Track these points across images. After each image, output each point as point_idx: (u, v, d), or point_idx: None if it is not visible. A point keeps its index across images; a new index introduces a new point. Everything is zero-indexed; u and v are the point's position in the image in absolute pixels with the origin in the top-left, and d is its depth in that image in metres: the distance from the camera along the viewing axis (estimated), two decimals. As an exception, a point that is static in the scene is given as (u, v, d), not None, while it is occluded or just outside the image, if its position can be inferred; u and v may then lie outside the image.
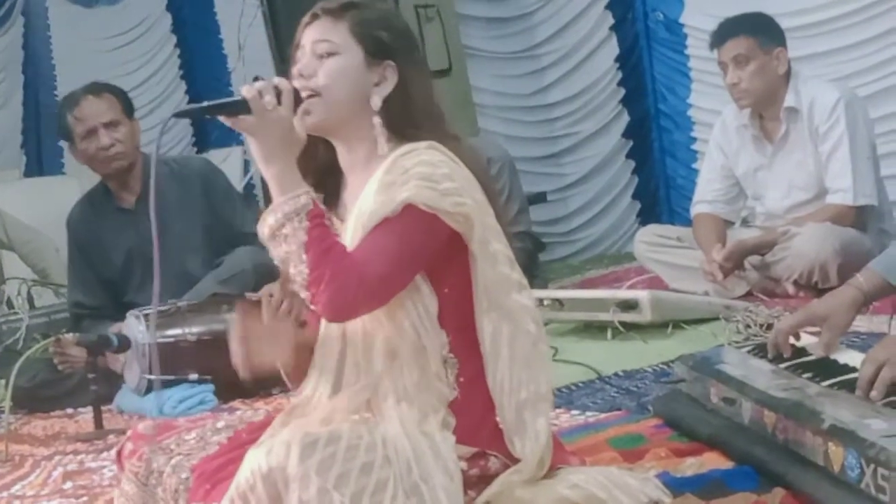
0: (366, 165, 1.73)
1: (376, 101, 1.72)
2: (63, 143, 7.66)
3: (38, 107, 7.77)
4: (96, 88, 3.56)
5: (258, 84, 1.66)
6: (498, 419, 1.69)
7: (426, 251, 1.66)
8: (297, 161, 1.70)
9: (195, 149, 7.08)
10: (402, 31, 1.80)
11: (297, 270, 1.61)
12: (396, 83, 1.73)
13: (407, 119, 1.73)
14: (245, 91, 1.66)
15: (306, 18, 1.76)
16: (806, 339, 2.18)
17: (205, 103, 1.71)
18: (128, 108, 3.53)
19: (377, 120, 1.71)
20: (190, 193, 3.50)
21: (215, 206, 3.52)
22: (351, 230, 1.69)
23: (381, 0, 1.84)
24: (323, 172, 1.79)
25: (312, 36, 1.74)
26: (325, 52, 1.72)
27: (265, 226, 1.63)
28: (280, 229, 1.62)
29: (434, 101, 1.78)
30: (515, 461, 1.68)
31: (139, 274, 3.47)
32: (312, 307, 1.63)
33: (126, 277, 3.50)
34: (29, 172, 7.60)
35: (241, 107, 1.66)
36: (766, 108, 3.80)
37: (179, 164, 3.62)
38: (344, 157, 1.77)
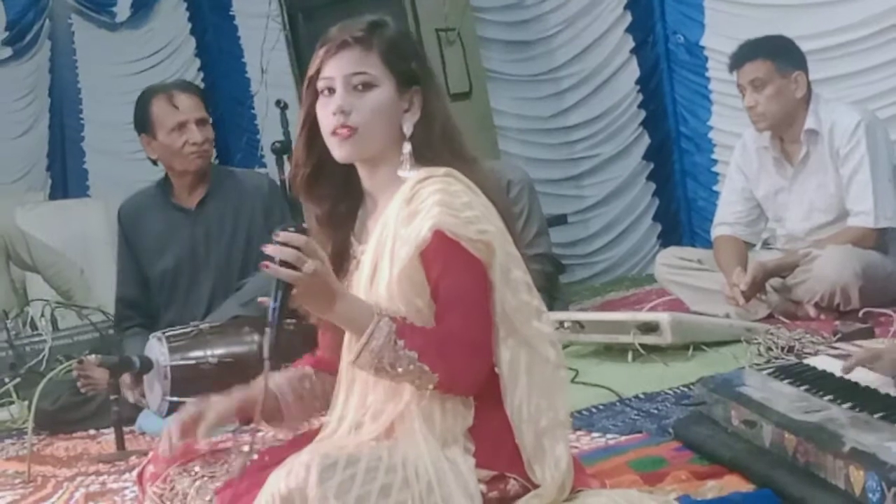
0: (388, 187, 1.74)
1: (409, 128, 1.74)
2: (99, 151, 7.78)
3: (64, 130, 7.84)
4: (186, 86, 3.62)
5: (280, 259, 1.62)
6: (517, 442, 1.69)
7: (482, 289, 1.66)
8: (316, 183, 1.76)
9: (217, 162, 7.11)
10: (424, 55, 1.81)
11: (421, 381, 1.63)
12: (421, 109, 1.75)
13: (428, 143, 1.74)
14: (284, 276, 1.62)
15: (332, 47, 1.74)
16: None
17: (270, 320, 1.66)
18: (208, 110, 3.56)
19: (407, 146, 1.73)
20: (247, 207, 3.48)
21: (271, 226, 3.48)
22: (372, 256, 1.70)
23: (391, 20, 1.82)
24: (341, 193, 1.81)
25: (345, 68, 1.73)
26: (361, 83, 1.72)
27: (362, 366, 1.65)
28: (381, 362, 1.62)
29: (453, 123, 1.79)
30: (535, 483, 1.68)
31: (186, 276, 3.46)
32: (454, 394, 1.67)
33: (173, 281, 3.48)
34: (54, 195, 7.65)
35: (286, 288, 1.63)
36: (786, 131, 3.79)
37: (244, 176, 3.63)
38: (367, 181, 1.78)
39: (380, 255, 1.69)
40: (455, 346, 1.63)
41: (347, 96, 1.72)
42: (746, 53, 3.77)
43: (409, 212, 1.66)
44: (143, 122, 3.50)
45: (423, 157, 1.74)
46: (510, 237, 1.71)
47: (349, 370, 1.74)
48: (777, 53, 3.74)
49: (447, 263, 1.64)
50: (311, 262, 1.60)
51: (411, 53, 1.77)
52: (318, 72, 1.75)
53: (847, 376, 2.09)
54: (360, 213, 1.81)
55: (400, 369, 1.63)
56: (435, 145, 1.74)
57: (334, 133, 1.72)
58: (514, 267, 1.69)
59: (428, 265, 1.65)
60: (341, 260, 1.79)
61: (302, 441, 1.76)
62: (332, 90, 1.73)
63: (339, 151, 1.73)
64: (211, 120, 3.57)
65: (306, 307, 1.67)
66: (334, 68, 1.73)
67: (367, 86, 1.72)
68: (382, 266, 1.68)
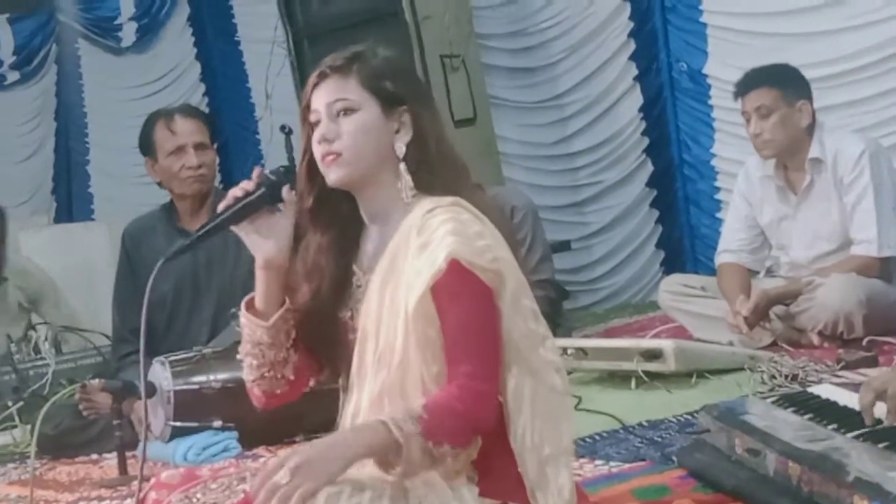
0: (387, 214, 1.75)
1: (401, 148, 1.73)
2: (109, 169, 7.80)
3: (70, 153, 7.87)
4: (189, 110, 3.68)
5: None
6: (520, 470, 1.68)
7: (494, 319, 1.65)
8: (320, 212, 1.76)
9: (221, 187, 7.12)
10: (410, 74, 1.81)
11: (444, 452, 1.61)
12: (413, 128, 1.74)
13: (425, 163, 1.73)
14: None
15: (314, 79, 1.77)
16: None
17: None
18: (213, 135, 3.59)
19: (403, 166, 1.73)
20: None
21: None
22: (379, 287, 1.70)
23: (383, 47, 1.82)
24: (345, 221, 1.80)
25: (326, 97, 1.75)
26: (342, 109, 1.73)
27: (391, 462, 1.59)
28: (398, 453, 1.57)
29: (448, 145, 1.78)
30: (538, 511, 1.67)
31: (187, 300, 3.47)
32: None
33: (173, 304, 3.48)
34: (59, 218, 7.67)
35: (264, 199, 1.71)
36: (790, 159, 3.80)
37: None
38: (365, 208, 1.78)
39: (393, 287, 1.68)
40: (474, 400, 1.61)
41: (330, 124, 1.73)
42: (753, 81, 3.78)
43: (421, 243, 1.66)
44: (146, 145, 3.56)
45: (421, 179, 1.73)
46: (518, 265, 1.71)
47: (352, 405, 1.73)
48: (783, 82, 3.76)
49: (458, 292, 1.63)
50: (282, 472, 1.51)
51: (395, 74, 1.76)
52: (308, 104, 1.78)
53: (850, 405, 2.08)
54: (362, 240, 1.81)
55: (440, 458, 1.60)
56: (432, 166, 1.73)
57: (323, 160, 1.74)
58: (524, 295, 1.69)
59: (438, 294, 1.64)
60: (342, 288, 1.79)
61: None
62: (319, 121, 1.75)
63: (329, 177, 1.74)
64: (214, 144, 3.59)
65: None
66: (317, 99, 1.76)
67: (348, 111, 1.73)
68: (397, 297, 1.67)
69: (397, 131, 1.74)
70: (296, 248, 1.80)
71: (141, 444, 1.92)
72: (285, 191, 1.76)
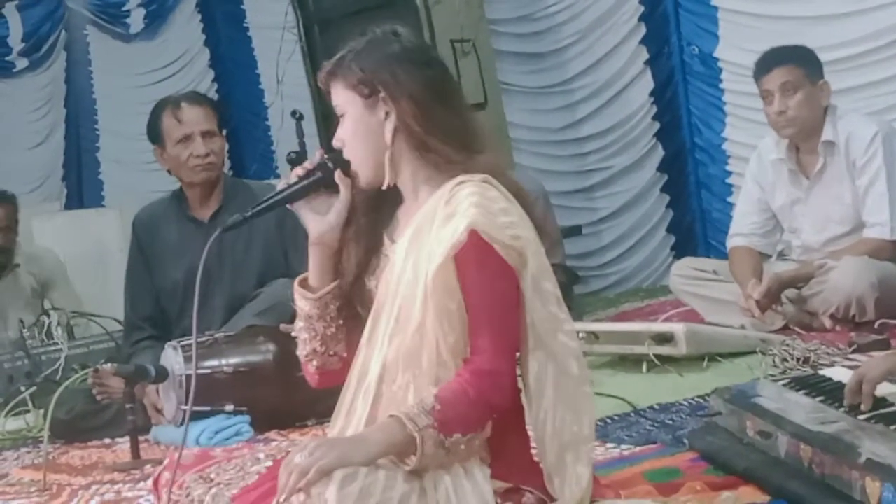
0: (419, 189, 1.76)
1: (388, 135, 1.74)
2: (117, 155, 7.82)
3: (80, 140, 7.88)
4: (196, 97, 3.65)
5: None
6: (534, 454, 1.69)
7: (513, 296, 1.66)
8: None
9: (231, 174, 7.13)
10: (382, 58, 1.76)
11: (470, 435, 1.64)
12: (396, 111, 1.74)
13: (418, 142, 1.73)
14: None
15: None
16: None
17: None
18: (221, 122, 3.57)
19: (387, 153, 1.74)
20: (261, 220, 3.45)
21: (284, 239, 3.47)
22: (404, 255, 1.71)
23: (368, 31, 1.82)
24: (381, 196, 1.81)
25: (334, 103, 1.80)
26: (341, 115, 1.78)
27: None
28: (413, 447, 1.60)
29: (432, 113, 1.74)
30: (551, 497, 1.68)
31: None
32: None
33: (185, 292, 3.46)
34: (69, 205, 7.70)
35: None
36: (805, 141, 3.79)
37: (258, 189, 3.59)
38: (401, 187, 1.80)
39: (415, 255, 1.69)
40: (487, 383, 1.63)
41: (338, 133, 1.79)
42: (776, 58, 3.75)
43: (447, 213, 1.67)
44: (154, 134, 3.54)
45: (427, 158, 1.74)
46: (542, 248, 1.71)
47: (358, 368, 1.74)
48: (805, 61, 3.75)
49: (479, 266, 1.64)
50: (301, 455, 1.56)
51: (366, 63, 1.75)
52: None
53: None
54: (399, 213, 1.82)
55: (453, 448, 1.63)
56: (428, 142, 1.73)
57: None
58: (545, 278, 1.69)
59: (461, 267, 1.64)
60: (370, 257, 1.80)
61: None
62: None
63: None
64: (223, 131, 3.58)
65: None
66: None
67: (343, 116, 1.78)
68: (419, 264, 1.68)
69: (386, 118, 1.75)
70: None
71: (187, 415, 1.85)
72: (337, 175, 1.77)
